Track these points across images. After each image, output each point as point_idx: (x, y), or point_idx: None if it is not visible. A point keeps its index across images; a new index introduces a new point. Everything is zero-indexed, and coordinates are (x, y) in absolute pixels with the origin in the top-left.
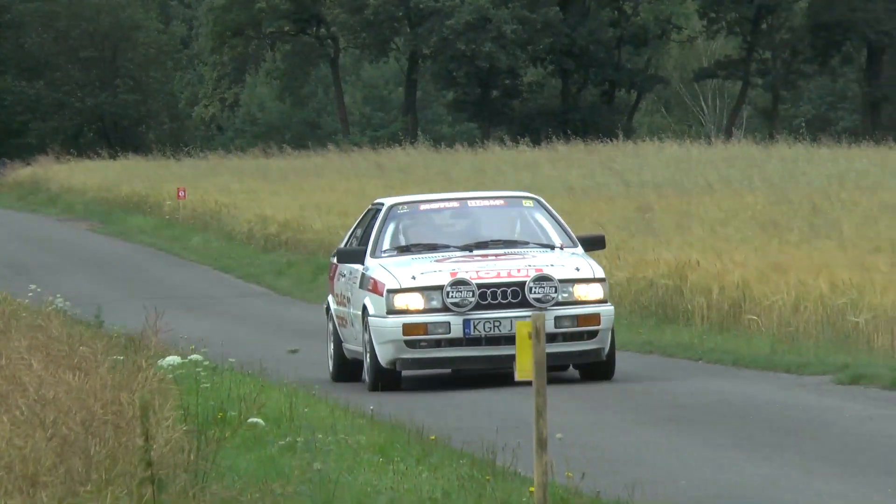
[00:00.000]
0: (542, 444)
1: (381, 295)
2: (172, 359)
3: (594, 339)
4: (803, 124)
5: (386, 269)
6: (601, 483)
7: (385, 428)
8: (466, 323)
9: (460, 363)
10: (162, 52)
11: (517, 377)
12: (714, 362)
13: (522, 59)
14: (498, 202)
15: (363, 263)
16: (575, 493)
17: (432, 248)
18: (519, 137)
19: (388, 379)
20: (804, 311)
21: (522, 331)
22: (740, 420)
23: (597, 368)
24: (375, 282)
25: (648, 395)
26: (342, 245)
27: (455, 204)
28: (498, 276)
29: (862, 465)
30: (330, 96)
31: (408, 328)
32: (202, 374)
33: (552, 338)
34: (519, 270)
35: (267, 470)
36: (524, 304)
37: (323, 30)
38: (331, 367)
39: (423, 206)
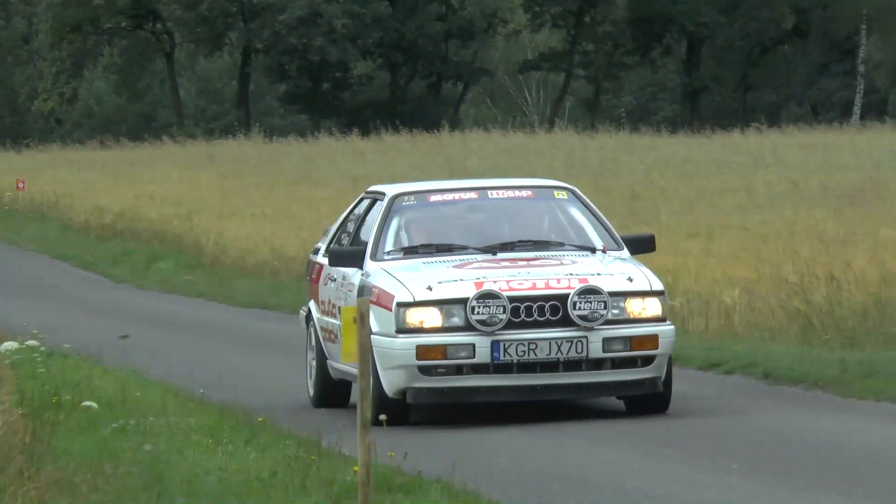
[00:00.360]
0: (365, 425)
1: (389, 309)
2: (9, 344)
3: (650, 367)
4: (624, 114)
5: (393, 276)
6: (423, 462)
7: (214, 410)
8: (495, 345)
9: (485, 394)
10: (2, 47)
11: (342, 360)
12: None
13: (352, 52)
14: (524, 192)
15: (362, 267)
16: (397, 471)
17: (446, 249)
18: (348, 129)
19: (393, 411)
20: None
21: (348, 316)
22: (558, 401)
23: (648, 399)
24: (380, 292)
25: None
26: (328, 240)
27: (472, 195)
28: (533, 287)
29: (679, 443)
30: (165, 90)
31: (423, 351)
32: (38, 359)
33: (598, 364)
34: (559, 280)
35: (100, 452)
36: (566, 322)
37: (159, 25)
38: (311, 389)
39: (433, 198)
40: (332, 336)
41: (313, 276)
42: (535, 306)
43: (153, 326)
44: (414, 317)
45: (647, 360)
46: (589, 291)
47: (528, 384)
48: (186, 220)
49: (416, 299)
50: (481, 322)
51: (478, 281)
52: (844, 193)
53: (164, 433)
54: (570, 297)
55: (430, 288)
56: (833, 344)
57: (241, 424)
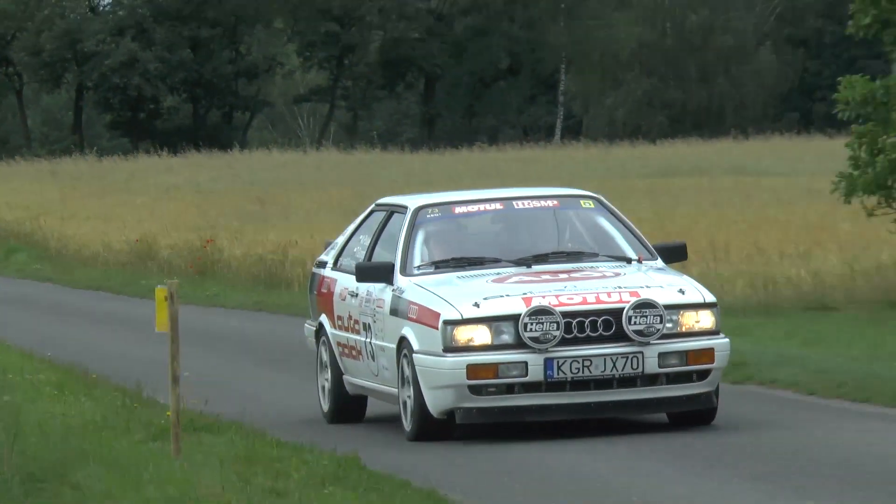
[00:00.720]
0: (175, 380)
1: (435, 327)
2: None
3: (705, 381)
4: (376, 136)
5: (432, 292)
6: (221, 408)
7: (59, 369)
8: (549, 363)
9: (537, 413)
10: None
11: (157, 329)
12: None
13: (163, 89)
14: (550, 202)
15: (391, 282)
16: (201, 416)
17: (478, 262)
18: (161, 149)
19: (437, 429)
20: None
21: (160, 294)
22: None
23: (695, 411)
24: (421, 309)
25: (264, 339)
26: (335, 254)
27: (498, 206)
28: (584, 301)
29: None
30: (16, 119)
31: (473, 370)
32: None
33: (652, 380)
34: (609, 294)
35: None
36: (620, 336)
37: (10, 68)
38: (325, 405)
39: (457, 209)
40: (356, 353)
41: (323, 291)
42: (587, 321)
43: (11, 305)
44: (462, 335)
45: (703, 375)
46: (644, 305)
47: (582, 402)
48: (35, 222)
49: (464, 317)
50: (534, 339)
51: (526, 296)
52: None
53: (20, 387)
54: (625, 311)
55: (477, 304)
56: None
57: (79, 380)
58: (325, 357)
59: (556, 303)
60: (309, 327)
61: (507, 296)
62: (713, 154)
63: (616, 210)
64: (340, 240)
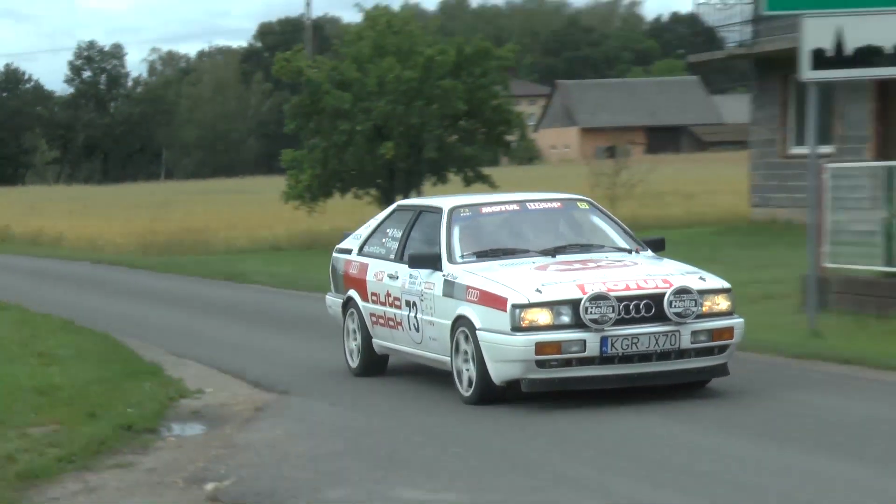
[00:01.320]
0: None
1: (503, 310)
2: None
3: (724, 354)
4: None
5: (489, 278)
6: (63, 313)
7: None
8: (604, 340)
9: (590, 383)
10: None
11: None
12: (75, 258)
13: (32, 143)
14: (555, 204)
15: (440, 269)
16: (51, 318)
17: (511, 252)
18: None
19: (495, 394)
20: (104, 247)
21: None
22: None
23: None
24: (484, 293)
25: (117, 282)
26: (360, 244)
27: (515, 207)
28: (628, 288)
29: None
30: None
31: (541, 347)
32: None
33: (683, 353)
34: (646, 282)
35: None
36: (660, 317)
37: None
38: (354, 362)
39: (484, 209)
40: (392, 323)
41: (350, 272)
42: (631, 305)
43: None
44: (529, 316)
45: (723, 349)
46: (682, 291)
47: (627, 373)
48: None
49: (530, 301)
50: (594, 321)
51: (578, 283)
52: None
53: None
54: (666, 296)
55: (539, 290)
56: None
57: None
58: (354, 325)
59: (607, 289)
60: (335, 300)
61: (561, 283)
62: (236, 184)
63: (606, 210)
64: (364, 232)
